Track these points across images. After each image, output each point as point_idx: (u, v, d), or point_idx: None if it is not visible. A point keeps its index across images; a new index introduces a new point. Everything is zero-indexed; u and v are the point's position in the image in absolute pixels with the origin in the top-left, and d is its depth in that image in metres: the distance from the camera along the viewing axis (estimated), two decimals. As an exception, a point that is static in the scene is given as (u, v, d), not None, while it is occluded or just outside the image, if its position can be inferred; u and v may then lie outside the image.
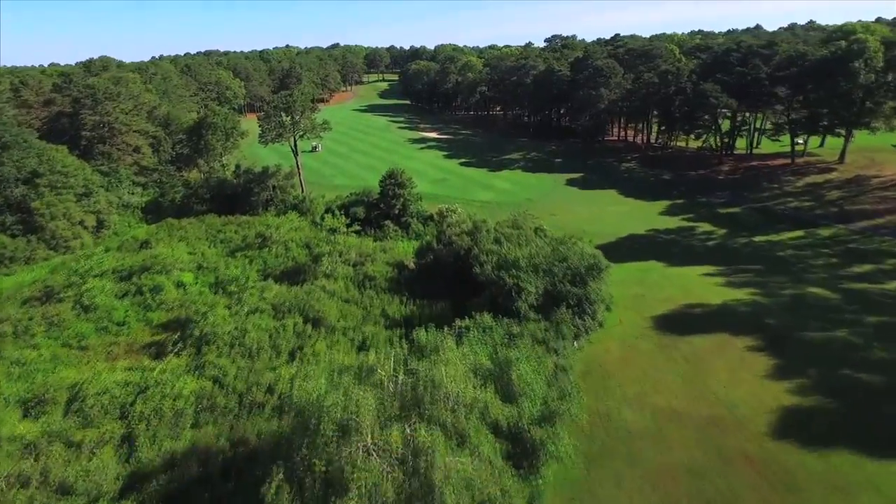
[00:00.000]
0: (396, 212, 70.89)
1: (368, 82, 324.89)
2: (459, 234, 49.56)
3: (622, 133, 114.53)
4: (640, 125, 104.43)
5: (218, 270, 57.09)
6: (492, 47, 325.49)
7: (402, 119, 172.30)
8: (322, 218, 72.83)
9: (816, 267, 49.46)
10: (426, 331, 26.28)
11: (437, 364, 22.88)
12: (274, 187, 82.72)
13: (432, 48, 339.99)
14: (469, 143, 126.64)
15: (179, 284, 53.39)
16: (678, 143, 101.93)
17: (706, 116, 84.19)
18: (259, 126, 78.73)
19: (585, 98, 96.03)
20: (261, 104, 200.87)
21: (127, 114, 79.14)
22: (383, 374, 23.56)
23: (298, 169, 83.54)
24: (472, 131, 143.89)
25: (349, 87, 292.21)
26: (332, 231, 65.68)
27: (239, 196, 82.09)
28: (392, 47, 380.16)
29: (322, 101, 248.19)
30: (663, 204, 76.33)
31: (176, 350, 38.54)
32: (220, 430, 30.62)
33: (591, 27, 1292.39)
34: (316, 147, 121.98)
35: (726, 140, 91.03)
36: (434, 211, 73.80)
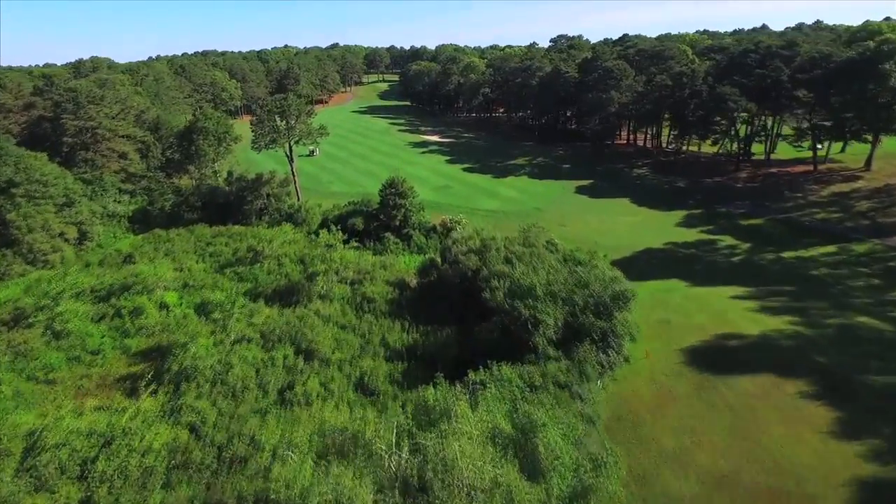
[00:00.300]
0: (397, 223, 66.90)
1: (368, 83, 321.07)
2: (466, 252, 45.56)
3: (632, 137, 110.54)
4: (652, 129, 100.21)
5: (205, 289, 53.14)
6: (493, 47, 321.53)
7: (402, 121, 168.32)
8: (317, 232, 68.98)
9: (858, 290, 45.41)
10: (434, 388, 22.21)
11: (449, 437, 18.82)
12: (268, 195, 78.86)
13: (433, 48, 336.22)
14: (472, 147, 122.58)
15: (162, 306, 49.37)
16: (690, 148, 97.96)
17: (724, 121, 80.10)
18: (252, 131, 74.76)
19: (595, 101, 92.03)
20: (257, 106, 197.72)
21: (112, 118, 75.14)
22: (382, 446, 19.51)
23: (294, 176, 79.57)
24: (474, 134, 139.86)
25: (348, 88, 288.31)
26: (329, 245, 61.88)
27: (231, 204, 78.25)
28: (392, 47, 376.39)
29: (321, 102, 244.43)
30: (680, 214, 72.31)
31: (150, 391, 34.45)
32: (195, 491, 26.63)
33: (591, 27, 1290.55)
34: (313, 151, 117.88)
35: (743, 146, 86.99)
36: (437, 222, 69.93)
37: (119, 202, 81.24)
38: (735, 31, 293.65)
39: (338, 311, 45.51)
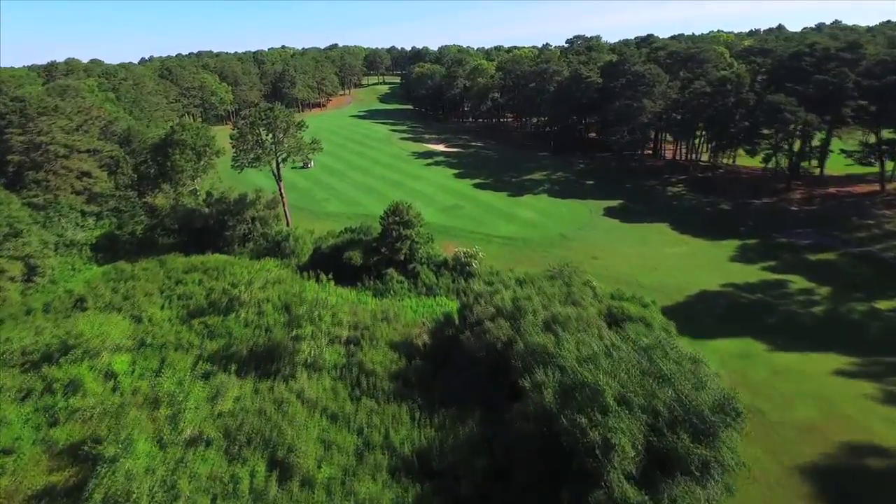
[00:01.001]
0: (402, 258, 57.08)
1: (368, 85, 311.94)
2: (493, 316, 35.61)
3: (660, 148, 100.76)
4: (686, 142, 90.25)
5: (166, 347, 43.46)
6: (499, 48, 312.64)
7: (404, 128, 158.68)
8: (308, 268, 59.25)
9: None
10: None
11: None
12: (253, 219, 69.28)
13: (435, 49, 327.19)
14: (482, 158, 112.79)
15: (108, 375, 39.57)
16: (726, 161, 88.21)
17: (776, 134, 70.32)
18: (232, 147, 65.05)
19: (623, 110, 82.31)
20: (238, 117, 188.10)
21: (71, 132, 65.41)
22: None
23: (282, 197, 69.83)
24: (483, 143, 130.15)
25: (347, 91, 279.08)
26: (317, 278, 52.34)
27: (210, 229, 68.64)
28: (393, 48, 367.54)
29: (318, 105, 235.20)
30: (731, 245, 62.49)
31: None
32: None
33: (591, 28, 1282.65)
34: (307, 163, 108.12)
35: (795, 161, 77.18)
36: (449, 254, 60.15)
37: (82, 227, 71.62)
38: (751, 31, 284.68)
39: (327, 392, 35.68)
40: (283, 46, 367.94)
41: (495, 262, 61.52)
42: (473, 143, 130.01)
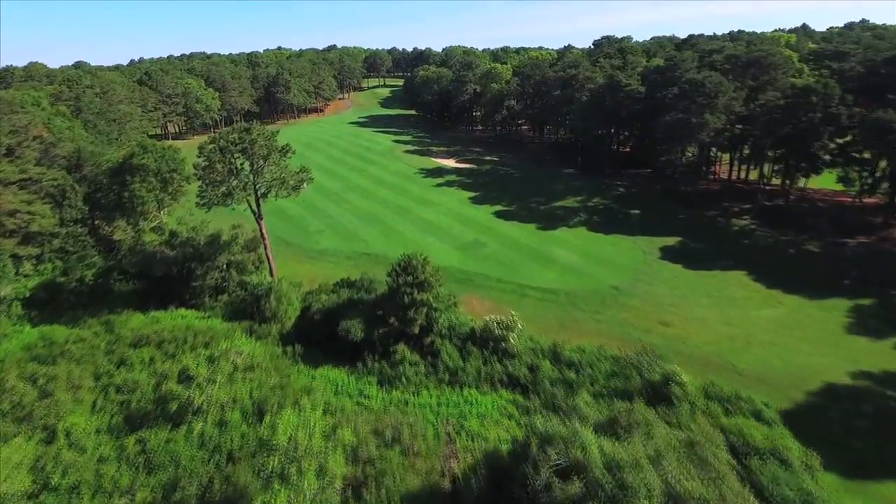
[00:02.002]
0: (417, 330, 43.75)
1: (368, 88, 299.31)
2: (579, 498, 21.98)
3: (713, 167, 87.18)
4: (756, 164, 76.44)
5: (79, 497, 30.33)
6: (505, 49, 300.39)
7: (408, 137, 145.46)
8: (292, 342, 46.00)
9: None
10: None
11: None
12: (228, 264, 56.25)
13: (440, 50, 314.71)
14: (500, 177, 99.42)
15: (-21, 555, 26.23)
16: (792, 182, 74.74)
17: (881, 159, 57.00)
18: (197, 178, 51.79)
19: (677, 125, 68.98)
20: (240, 119, 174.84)
21: (-4, 159, 52.20)
22: None
23: (264, 238, 56.46)
24: (498, 157, 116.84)
25: (346, 95, 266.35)
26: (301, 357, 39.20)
27: (175, 278, 55.61)
28: (394, 49, 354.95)
29: (315, 111, 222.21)
30: (840, 306, 49.12)
31: None
32: None
33: (590, 28, 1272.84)
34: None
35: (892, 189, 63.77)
36: (473, 316, 46.82)
37: (18, 276, 58.56)
38: (775, 31, 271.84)
39: None
40: (279, 48, 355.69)
41: (534, 326, 48.27)
42: (488, 158, 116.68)
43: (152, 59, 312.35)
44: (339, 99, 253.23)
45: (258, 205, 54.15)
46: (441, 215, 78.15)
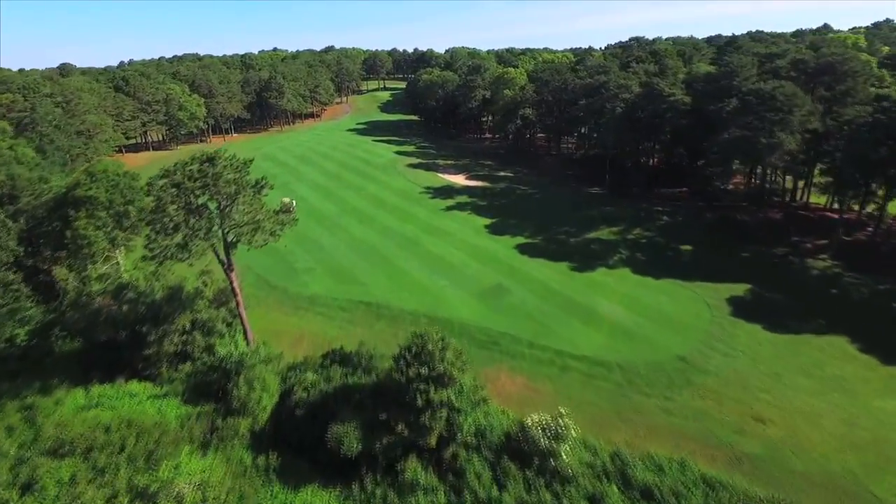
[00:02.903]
0: (434, 441, 32.19)
1: (367, 91, 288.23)
2: None
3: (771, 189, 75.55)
4: (841, 194, 64.53)
5: None
6: (510, 50, 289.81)
7: (411, 148, 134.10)
8: (267, 448, 34.63)
9: None
10: None
11: None
12: (193, 324, 45.15)
13: (442, 51, 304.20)
14: (518, 198, 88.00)
15: None
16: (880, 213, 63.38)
17: None
18: (145, 223, 40.42)
19: (740, 145, 57.54)
20: (229, 126, 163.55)
21: None
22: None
23: (235, 295, 44.96)
24: (512, 172, 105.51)
25: (344, 98, 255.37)
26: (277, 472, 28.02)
27: (124, 344, 44.53)
28: (394, 50, 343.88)
29: (311, 116, 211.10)
30: None
31: None
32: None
33: (591, 28, 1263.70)
34: (287, 206, 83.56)
35: None
36: (513, 426, 35.19)
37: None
38: (796, 32, 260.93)
39: None
40: (274, 49, 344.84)
41: (583, 417, 37.14)
42: (501, 173, 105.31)
43: (143, 60, 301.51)
44: (337, 103, 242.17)
45: (227, 253, 42.64)
46: (453, 248, 66.72)
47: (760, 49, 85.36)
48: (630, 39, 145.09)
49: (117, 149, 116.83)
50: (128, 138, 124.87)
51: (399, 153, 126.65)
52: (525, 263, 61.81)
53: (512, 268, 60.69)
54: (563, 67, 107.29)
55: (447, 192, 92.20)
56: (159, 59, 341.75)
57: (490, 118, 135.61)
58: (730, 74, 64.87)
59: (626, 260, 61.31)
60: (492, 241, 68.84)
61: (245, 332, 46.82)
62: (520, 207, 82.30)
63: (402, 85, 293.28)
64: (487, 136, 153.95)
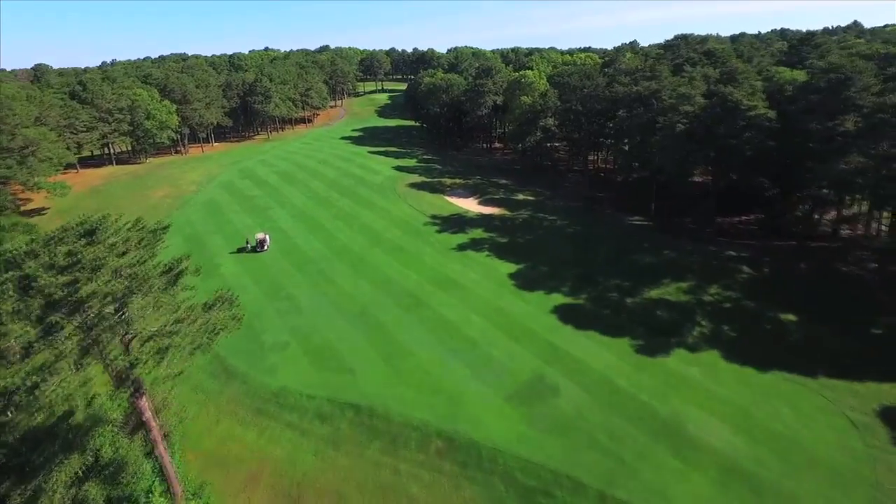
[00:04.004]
0: None
1: (364, 93, 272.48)
2: None
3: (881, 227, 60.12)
4: None
5: None
6: (515, 49, 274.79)
7: (413, 162, 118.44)
8: None
9: None
10: None
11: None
12: (87, 471, 29.40)
13: (444, 51, 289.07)
14: (546, 231, 72.36)
15: None
16: None
17: None
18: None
19: (863, 178, 41.84)
20: (209, 135, 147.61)
21: None
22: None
23: (150, 430, 29.17)
24: (532, 195, 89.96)
25: (339, 102, 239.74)
26: None
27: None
28: (393, 50, 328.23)
29: (303, 122, 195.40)
30: None
31: None
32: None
33: (590, 29, 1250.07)
34: (261, 243, 68.12)
35: None
36: None
37: None
38: (825, 30, 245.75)
39: None
40: (266, 49, 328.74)
41: None
42: (520, 196, 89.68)
43: (129, 61, 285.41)
44: (331, 107, 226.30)
45: (136, 391, 26.87)
46: (472, 313, 51.02)
47: (864, 48, 69.29)
48: (676, 37, 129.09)
49: (72, 165, 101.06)
50: (80, 154, 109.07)
51: (399, 168, 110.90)
52: (571, 340, 46.03)
53: (554, 348, 44.93)
54: (592, 71, 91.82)
55: (458, 222, 76.42)
56: (145, 58, 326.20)
57: (502, 127, 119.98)
58: (842, 83, 49.37)
59: (710, 337, 45.55)
60: (521, 302, 53.09)
61: (169, 483, 31.04)
62: (550, 246, 66.60)
63: (402, 87, 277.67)
64: (497, 146, 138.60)
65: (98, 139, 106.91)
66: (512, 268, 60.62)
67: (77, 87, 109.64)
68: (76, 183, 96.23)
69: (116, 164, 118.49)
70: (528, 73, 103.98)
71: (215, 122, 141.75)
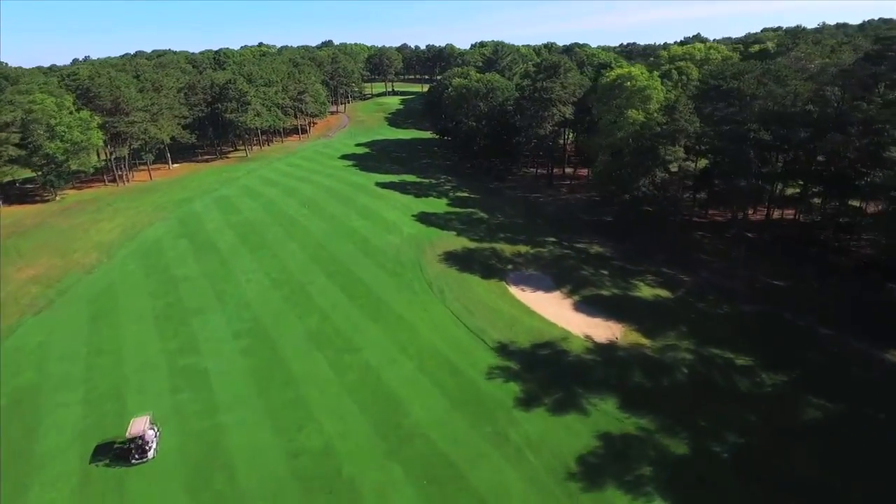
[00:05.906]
0: None
1: (372, 96, 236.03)
2: None
3: None
4: None
5: None
6: (548, 45, 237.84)
7: (443, 205, 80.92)
8: None
9: None
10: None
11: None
12: None
13: (467, 47, 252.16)
14: (747, 409, 34.57)
15: None
16: None
17: None
18: None
19: None
20: (164, 154, 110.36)
21: None
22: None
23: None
24: (670, 289, 52.30)
25: (342, 106, 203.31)
26: None
27: None
28: (405, 46, 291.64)
29: (296, 133, 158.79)
30: None
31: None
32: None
33: (589, 29, 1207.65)
34: (138, 442, 30.21)
35: None
36: None
37: None
38: (861, 24, 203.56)
39: None
40: (259, 44, 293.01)
41: None
42: (646, 291, 51.74)
43: (109, 58, 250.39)
44: (332, 113, 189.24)
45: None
46: None
47: None
48: (786, 28, 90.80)
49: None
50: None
51: (423, 218, 73.24)
52: None
53: None
54: (781, 70, 54.04)
55: (553, 366, 38.50)
56: (137, 52, 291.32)
57: (571, 144, 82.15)
58: None
59: None
60: None
61: None
62: (785, 472, 28.71)
63: (416, 88, 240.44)
64: (565, 178, 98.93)
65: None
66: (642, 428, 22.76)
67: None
68: None
69: (5, 203, 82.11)
70: (635, 70, 65.95)
71: (168, 139, 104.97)
